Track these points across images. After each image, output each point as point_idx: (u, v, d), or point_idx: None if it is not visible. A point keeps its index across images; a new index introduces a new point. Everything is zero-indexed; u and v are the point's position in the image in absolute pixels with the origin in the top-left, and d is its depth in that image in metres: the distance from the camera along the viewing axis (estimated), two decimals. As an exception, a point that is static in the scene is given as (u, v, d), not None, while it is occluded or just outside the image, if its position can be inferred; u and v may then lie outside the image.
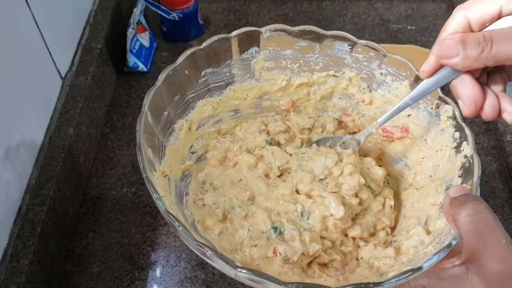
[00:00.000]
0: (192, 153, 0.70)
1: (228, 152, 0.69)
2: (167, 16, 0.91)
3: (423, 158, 0.68)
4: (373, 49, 0.72)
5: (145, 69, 0.94)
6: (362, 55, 0.73)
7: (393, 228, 0.65)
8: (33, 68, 0.67)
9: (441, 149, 0.66)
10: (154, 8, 0.91)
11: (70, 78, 0.76)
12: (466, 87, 0.51)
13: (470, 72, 0.50)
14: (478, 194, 0.56)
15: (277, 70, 0.75)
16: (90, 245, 0.71)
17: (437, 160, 0.66)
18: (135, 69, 0.92)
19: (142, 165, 0.52)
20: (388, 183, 0.69)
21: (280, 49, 0.74)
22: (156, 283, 0.69)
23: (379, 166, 0.72)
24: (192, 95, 0.69)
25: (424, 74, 0.55)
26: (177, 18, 0.92)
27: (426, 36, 1.00)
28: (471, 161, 0.59)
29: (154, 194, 0.49)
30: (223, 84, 0.73)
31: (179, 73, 0.65)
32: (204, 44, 0.68)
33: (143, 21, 0.93)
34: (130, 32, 0.89)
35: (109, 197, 0.77)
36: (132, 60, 0.89)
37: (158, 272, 0.69)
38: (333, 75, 0.76)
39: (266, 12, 1.07)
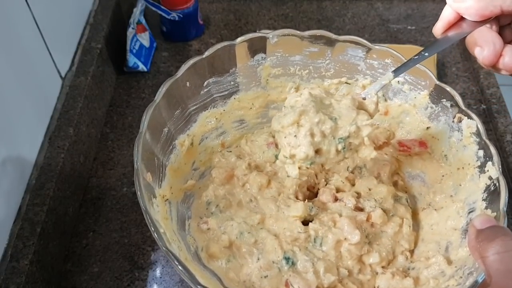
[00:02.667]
0: (195, 170, 0.66)
1: (236, 170, 0.64)
2: (167, 16, 0.91)
3: (443, 176, 0.65)
4: (390, 55, 0.68)
5: (145, 69, 0.92)
6: (377, 62, 0.68)
7: (411, 251, 0.62)
8: (33, 68, 0.67)
9: (463, 167, 0.62)
10: (154, 8, 0.90)
11: (70, 78, 0.76)
12: (483, 33, 0.48)
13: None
14: (506, 223, 0.53)
15: (284, 77, 0.70)
16: (90, 245, 0.70)
17: (458, 179, 0.62)
18: (135, 69, 0.91)
19: (140, 194, 0.48)
20: (407, 201, 0.66)
21: (288, 55, 0.69)
22: (156, 283, 0.67)
23: (395, 180, 0.69)
24: (194, 107, 0.65)
25: (438, 31, 0.51)
26: (177, 18, 0.91)
27: (426, 36, 0.99)
28: (497, 184, 0.55)
29: (154, 233, 0.46)
30: (227, 94, 0.68)
31: (180, 86, 0.61)
32: (207, 53, 0.63)
33: (143, 21, 0.92)
34: (130, 32, 0.89)
35: (109, 197, 0.76)
36: (132, 60, 0.89)
37: (158, 272, 0.68)
38: (346, 82, 0.71)
39: (266, 12, 1.06)
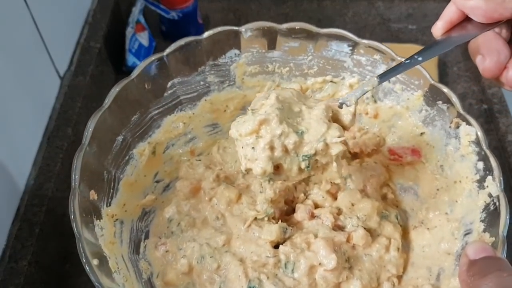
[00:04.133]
0: (157, 182, 0.59)
1: (203, 181, 0.58)
2: (166, 15, 0.90)
3: (437, 190, 0.57)
4: (379, 51, 0.60)
5: None
6: (365, 58, 0.61)
7: (399, 277, 0.55)
8: (31, 68, 0.67)
9: (460, 181, 0.55)
10: (153, 7, 0.90)
11: (68, 77, 0.76)
12: (488, 39, 0.42)
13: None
14: (505, 251, 0.46)
15: (262, 75, 0.63)
16: None
17: (455, 194, 0.55)
18: (134, 68, 0.88)
19: (73, 218, 0.42)
20: (397, 218, 0.59)
21: (265, 51, 0.62)
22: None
23: (384, 193, 0.63)
24: (156, 111, 0.58)
25: (437, 31, 0.46)
26: (176, 17, 0.90)
27: (427, 36, 0.96)
28: (497, 204, 0.48)
29: (86, 266, 0.40)
30: (196, 95, 0.61)
31: (136, 88, 0.54)
32: (168, 50, 0.56)
33: (142, 20, 0.92)
34: (129, 31, 0.88)
35: None
36: (131, 59, 0.88)
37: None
38: (331, 81, 0.64)
39: (266, 11, 1.04)
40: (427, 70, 0.57)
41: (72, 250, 0.65)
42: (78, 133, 0.70)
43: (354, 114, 0.49)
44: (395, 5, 1.01)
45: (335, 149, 0.46)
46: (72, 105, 0.73)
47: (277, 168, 0.46)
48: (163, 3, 0.90)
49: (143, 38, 0.91)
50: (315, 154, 0.46)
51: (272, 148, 0.45)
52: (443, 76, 0.90)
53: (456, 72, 0.91)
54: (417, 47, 0.88)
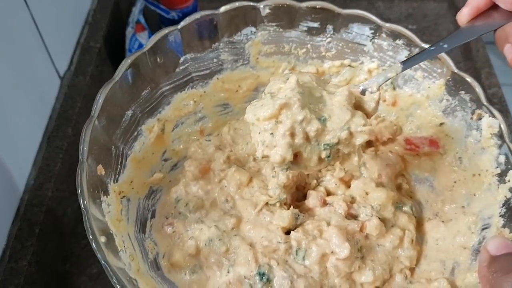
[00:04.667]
0: (165, 160, 0.57)
1: (213, 162, 0.56)
2: (166, 15, 0.89)
3: (455, 182, 0.56)
4: (403, 36, 0.58)
5: None
6: (387, 43, 0.59)
7: (412, 270, 0.54)
8: (31, 68, 0.67)
9: (479, 174, 0.53)
10: (153, 7, 0.89)
11: (68, 77, 0.76)
12: None
13: None
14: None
15: (278, 56, 0.61)
16: (89, 246, 0.70)
17: (473, 187, 0.53)
18: None
19: (80, 192, 0.40)
20: (412, 209, 0.58)
21: (283, 30, 0.60)
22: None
23: (398, 183, 0.61)
24: (167, 87, 0.56)
25: (463, 17, 0.44)
26: (176, 17, 0.89)
27: (427, 36, 0.95)
28: (519, 200, 0.47)
29: (92, 242, 0.38)
30: (208, 73, 0.59)
31: (148, 61, 0.52)
32: (183, 24, 0.54)
33: (142, 20, 0.91)
34: (129, 31, 0.88)
35: None
36: None
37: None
38: (349, 65, 0.62)
39: None
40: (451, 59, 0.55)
41: (72, 250, 0.65)
42: (78, 133, 0.74)
43: (377, 102, 0.47)
44: (395, 5, 1.00)
45: (360, 139, 0.44)
46: (72, 105, 0.72)
47: (296, 156, 0.44)
48: (163, 3, 0.89)
49: (143, 38, 0.90)
50: (337, 143, 0.44)
51: (292, 135, 0.43)
52: (444, 75, 0.89)
53: (456, 72, 0.90)
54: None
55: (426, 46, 0.55)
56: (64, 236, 0.66)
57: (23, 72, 0.64)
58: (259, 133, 0.44)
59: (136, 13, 0.90)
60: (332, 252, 0.49)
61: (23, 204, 0.62)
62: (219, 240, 0.50)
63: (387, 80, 0.48)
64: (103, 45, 0.83)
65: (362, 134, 0.44)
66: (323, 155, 0.44)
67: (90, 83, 0.76)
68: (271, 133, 0.43)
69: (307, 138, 0.44)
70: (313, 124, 0.43)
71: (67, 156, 0.67)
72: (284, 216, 0.51)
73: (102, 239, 0.40)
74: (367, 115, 0.46)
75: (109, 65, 0.86)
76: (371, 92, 0.47)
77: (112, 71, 0.83)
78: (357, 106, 0.46)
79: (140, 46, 0.88)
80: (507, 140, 0.50)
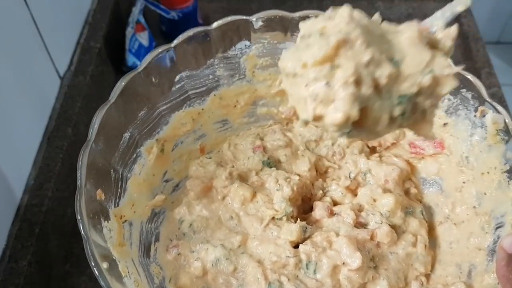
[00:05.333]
0: (167, 181, 0.56)
1: (215, 180, 0.55)
2: (166, 15, 0.89)
3: (464, 183, 0.55)
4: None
5: None
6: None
7: (427, 276, 0.53)
8: (31, 68, 0.67)
9: (488, 172, 0.52)
10: (153, 7, 0.89)
11: (68, 77, 0.76)
12: None
13: None
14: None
15: (274, 68, 0.60)
16: None
17: (483, 186, 0.52)
18: (134, 68, 0.88)
19: (80, 218, 0.39)
20: (422, 214, 0.56)
21: (277, 42, 0.60)
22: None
23: (406, 188, 0.60)
24: (164, 107, 0.55)
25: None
26: (176, 17, 0.90)
27: None
28: (532, 194, 0.46)
29: (95, 269, 0.37)
30: (205, 90, 0.58)
31: (143, 82, 0.52)
32: (176, 42, 0.54)
33: (142, 20, 0.91)
34: (129, 31, 0.88)
35: None
36: (131, 59, 0.87)
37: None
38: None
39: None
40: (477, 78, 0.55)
41: (72, 250, 0.65)
42: (78, 133, 0.72)
43: (453, 39, 0.36)
44: (395, 5, 1.00)
45: (447, 86, 0.34)
46: (72, 105, 0.72)
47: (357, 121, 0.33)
48: (163, 3, 0.89)
49: (143, 38, 0.91)
50: (417, 94, 0.33)
51: (357, 83, 0.32)
52: (443, 76, 0.89)
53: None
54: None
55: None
56: (64, 236, 0.66)
57: (23, 72, 0.65)
58: (306, 85, 0.32)
59: (136, 13, 0.90)
60: (343, 263, 0.48)
61: (23, 204, 0.62)
62: (226, 259, 0.49)
63: (454, 16, 0.38)
64: (103, 45, 0.83)
65: (450, 79, 0.34)
66: (397, 111, 0.33)
67: (90, 83, 0.76)
68: (326, 83, 0.32)
69: (376, 88, 0.32)
70: (384, 67, 0.32)
71: (67, 156, 0.67)
72: (292, 230, 0.50)
73: (105, 265, 0.39)
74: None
75: (109, 65, 0.86)
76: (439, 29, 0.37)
77: (112, 71, 0.86)
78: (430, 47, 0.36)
79: (140, 46, 0.89)
80: (514, 135, 0.49)
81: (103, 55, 0.83)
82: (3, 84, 0.59)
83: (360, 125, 0.33)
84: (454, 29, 0.36)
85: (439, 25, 0.38)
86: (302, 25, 0.36)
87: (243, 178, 0.57)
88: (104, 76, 0.83)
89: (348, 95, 0.32)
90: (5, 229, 0.59)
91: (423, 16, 1.10)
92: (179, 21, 0.90)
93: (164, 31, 0.95)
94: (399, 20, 0.95)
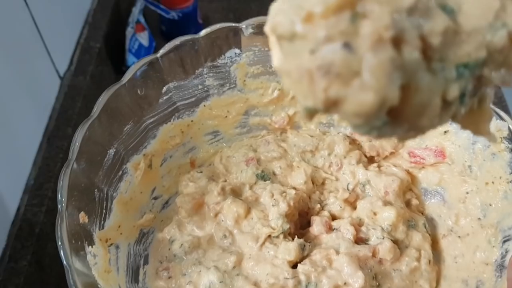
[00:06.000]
0: (155, 198, 0.54)
1: (206, 195, 0.53)
2: (166, 15, 0.90)
3: (467, 193, 0.52)
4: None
5: None
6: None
7: (432, 293, 0.50)
8: (31, 68, 0.68)
9: (492, 182, 0.50)
10: (153, 7, 0.90)
11: (68, 77, 0.76)
12: None
13: None
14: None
15: (266, 76, 0.58)
16: None
17: (487, 197, 0.50)
18: None
19: (61, 245, 0.36)
20: (425, 226, 0.54)
21: (268, 49, 0.58)
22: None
23: (407, 200, 0.58)
24: (151, 120, 0.53)
25: None
26: (176, 17, 0.90)
27: None
28: (541, 205, 0.44)
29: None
30: (194, 101, 0.56)
31: (128, 95, 0.49)
32: (162, 51, 0.51)
33: (142, 20, 0.92)
34: (129, 31, 0.89)
35: None
36: (131, 59, 0.87)
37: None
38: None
39: (266, 12, 1.01)
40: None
41: None
42: None
43: None
44: None
45: None
46: (72, 105, 0.73)
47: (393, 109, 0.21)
48: (163, 3, 0.89)
49: (143, 38, 0.91)
50: (484, 63, 0.22)
51: (397, 43, 0.20)
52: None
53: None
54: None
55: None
56: None
57: (23, 72, 0.65)
58: (311, 51, 0.21)
59: (136, 13, 0.91)
60: (345, 283, 0.45)
61: (23, 204, 0.62)
62: (220, 282, 0.46)
63: None
64: (103, 45, 0.83)
65: None
66: (454, 91, 0.22)
67: (90, 83, 0.77)
68: (345, 44, 0.20)
69: (424, 53, 0.21)
70: (436, 17, 0.21)
71: (67, 156, 0.67)
72: (290, 249, 0.48)
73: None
74: None
75: (109, 65, 0.87)
76: None
77: (112, 71, 0.87)
78: None
79: (140, 46, 0.89)
80: (519, 143, 0.47)
81: (103, 55, 0.83)
82: (3, 84, 0.60)
83: (398, 115, 0.21)
84: None
85: None
86: None
87: (236, 193, 0.54)
88: (104, 76, 0.84)
89: (382, 63, 0.20)
90: (5, 229, 0.59)
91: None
92: (179, 21, 0.91)
93: (164, 31, 0.95)
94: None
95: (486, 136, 0.26)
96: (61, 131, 0.69)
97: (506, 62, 0.23)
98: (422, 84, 0.21)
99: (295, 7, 0.22)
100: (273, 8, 0.24)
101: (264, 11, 1.01)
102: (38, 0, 0.68)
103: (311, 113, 0.22)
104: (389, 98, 0.20)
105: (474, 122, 0.25)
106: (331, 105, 0.21)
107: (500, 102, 0.78)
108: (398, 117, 0.22)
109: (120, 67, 0.89)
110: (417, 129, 0.23)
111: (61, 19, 0.77)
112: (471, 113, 0.24)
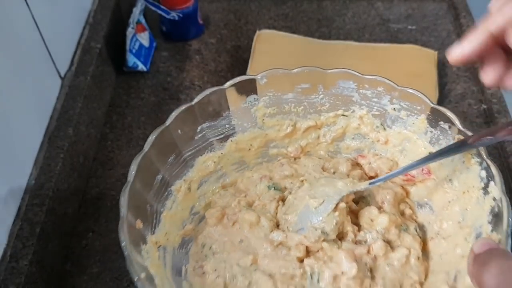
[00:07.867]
0: (194, 214, 0.67)
1: (227, 208, 0.65)
2: (166, 16, 0.92)
3: (449, 202, 0.62)
4: (381, 83, 0.69)
5: (145, 69, 0.93)
6: (371, 91, 0.68)
7: (421, 283, 0.60)
8: (32, 68, 0.68)
9: (468, 191, 0.60)
10: (153, 8, 0.91)
11: (69, 78, 0.78)
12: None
13: None
14: (509, 245, 0.51)
15: (280, 115, 0.71)
16: (89, 246, 0.71)
17: (464, 203, 0.60)
18: (135, 69, 0.92)
19: (123, 238, 0.51)
20: (416, 230, 0.64)
21: (280, 93, 0.70)
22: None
23: (402, 210, 0.68)
24: (189, 152, 0.67)
25: (458, 57, 0.45)
26: (176, 18, 0.92)
27: (426, 36, 1.00)
28: (500, 205, 0.54)
29: (136, 279, 0.48)
30: (223, 137, 0.69)
31: (171, 134, 0.64)
32: (196, 100, 0.66)
33: (143, 20, 0.93)
34: (130, 31, 0.90)
35: (108, 197, 0.76)
36: (131, 59, 0.90)
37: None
38: (342, 115, 0.72)
39: (266, 12, 1.06)
40: (426, 95, 0.65)
41: (73, 250, 0.70)
42: (79, 133, 0.76)
43: None
44: (394, 6, 1.02)
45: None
46: (73, 105, 0.74)
47: None
48: (163, 4, 0.91)
49: (144, 38, 0.92)
50: None
51: None
52: (443, 76, 0.91)
53: (455, 72, 0.92)
54: (417, 48, 0.96)
55: (403, 89, 0.65)
56: (65, 235, 0.69)
57: (24, 73, 0.64)
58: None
59: (136, 13, 0.91)
60: (342, 272, 0.56)
61: (24, 203, 0.62)
62: (242, 275, 0.58)
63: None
64: (104, 46, 0.84)
65: None
66: None
67: (91, 83, 0.77)
68: None
69: None
70: None
71: (68, 156, 0.69)
72: (301, 249, 0.60)
73: (143, 275, 0.49)
74: None
75: (110, 65, 0.87)
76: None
77: (113, 71, 0.90)
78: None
79: (141, 46, 0.91)
80: (485, 157, 0.58)
81: (103, 55, 0.84)
82: (4, 85, 0.60)
83: None
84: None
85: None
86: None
87: (250, 205, 0.66)
88: (105, 77, 0.85)
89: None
90: (6, 229, 0.59)
91: (422, 16, 1.14)
92: (179, 21, 0.93)
93: (164, 32, 0.98)
94: (399, 20, 1.03)
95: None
96: (62, 131, 0.70)
97: None
98: None
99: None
100: None
101: (263, 12, 1.21)
102: (39, 0, 0.68)
103: None
104: None
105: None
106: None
107: (500, 102, 0.84)
108: None
109: (121, 67, 0.90)
110: None
111: (62, 19, 0.77)
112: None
